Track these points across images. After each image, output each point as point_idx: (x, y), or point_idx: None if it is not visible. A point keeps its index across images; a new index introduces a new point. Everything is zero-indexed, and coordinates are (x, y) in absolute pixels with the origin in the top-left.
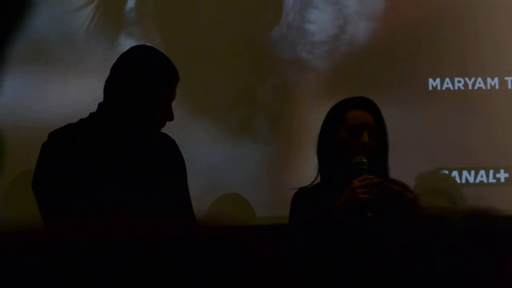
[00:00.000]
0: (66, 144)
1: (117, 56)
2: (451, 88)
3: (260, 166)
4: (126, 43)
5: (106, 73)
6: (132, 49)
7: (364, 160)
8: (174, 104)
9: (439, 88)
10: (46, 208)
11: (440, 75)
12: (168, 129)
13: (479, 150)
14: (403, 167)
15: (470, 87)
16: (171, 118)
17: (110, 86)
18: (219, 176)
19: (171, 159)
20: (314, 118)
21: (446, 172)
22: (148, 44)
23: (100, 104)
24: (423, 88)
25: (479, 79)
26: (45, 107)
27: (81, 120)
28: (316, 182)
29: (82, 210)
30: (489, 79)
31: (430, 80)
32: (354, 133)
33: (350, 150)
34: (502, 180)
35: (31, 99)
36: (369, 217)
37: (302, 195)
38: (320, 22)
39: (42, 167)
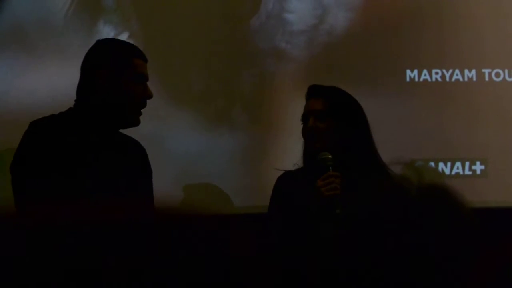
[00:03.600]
0: (46, 133)
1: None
2: (429, 79)
3: (238, 155)
4: (105, 30)
5: None
6: (96, 43)
7: (329, 156)
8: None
9: (416, 79)
10: (20, 191)
11: (418, 66)
12: (146, 117)
13: (455, 142)
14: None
15: (447, 79)
16: (150, 95)
17: (81, 82)
18: (197, 165)
19: (143, 165)
20: (292, 107)
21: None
22: (126, 31)
23: (76, 101)
24: (401, 80)
25: (457, 71)
26: (21, 92)
27: (61, 113)
28: (300, 166)
29: (54, 197)
30: (466, 71)
31: (408, 72)
32: (305, 121)
33: (304, 138)
34: (478, 172)
35: (7, 84)
36: (338, 214)
37: (286, 179)
38: (299, 11)
39: (21, 152)
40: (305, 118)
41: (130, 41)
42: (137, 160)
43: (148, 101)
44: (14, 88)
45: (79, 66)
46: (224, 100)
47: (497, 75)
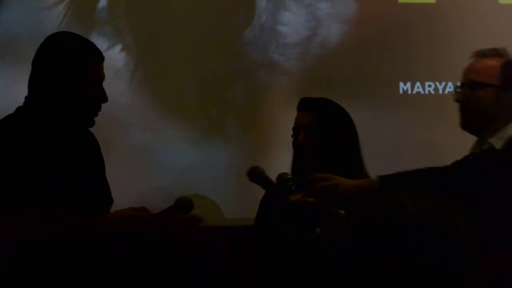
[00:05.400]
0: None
1: None
2: (422, 92)
3: (231, 167)
4: (98, 42)
5: None
6: (48, 38)
7: (288, 177)
8: (144, 104)
9: (409, 92)
10: None
11: (411, 79)
12: (139, 128)
13: (448, 155)
14: (372, 170)
15: (440, 92)
16: (105, 99)
17: (33, 80)
18: (190, 177)
19: (98, 157)
20: (285, 120)
21: None
22: (119, 44)
23: (26, 98)
24: (394, 92)
25: (450, 84)
26: (14, 104)
27: (10, 116)
28: None
29: (14, 202)
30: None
31: (401, 84)
32: (295, 135)
33: (294, 152)
34: None
35: (0, 95)
36: (318, 233)
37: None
38: (292, 24)
39: None
40: (295, 131)
41: (123, 53)
42: (94, 155)
43: (141, 112)
44: (7, 99)
45: None
46: (217, 112)
47: None
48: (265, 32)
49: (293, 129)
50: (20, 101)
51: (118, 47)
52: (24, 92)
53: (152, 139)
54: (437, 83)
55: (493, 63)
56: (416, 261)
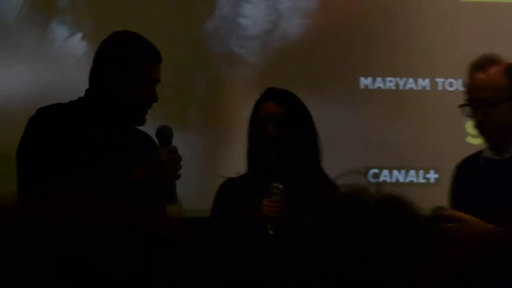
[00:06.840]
0: (52, 121)
1: (48, 42)
2: (382, 87)
3: (192, 159)
4: (58, 30)
5: (36, 60)
6: (112, 34)
7: (280, 187)
8: None
9: (370, 87)
10: (24, 179)
11: (372, 74)
12: None
13: (409, 150)
14: (333, 166)
15: (401, 87)
16: (155, 99)
17: (91, 73)
18: None
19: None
20: (246, 112)
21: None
22: (80, 32)
23: (87, 91)
24: (354, 87)
25: (411, 80)
26: None
27: (70, 101)
28: (245, 173)
29: (59, 188)
30: (420, 80)
31: (362, 79)
32: (262, 126)
33: (259, 143)
34: (432, 180)
35: None
36: (271, 235)
37: (227, 187)
38: (253, 16)
39: (28, 139)
40: (263, 122)
41: (84, 42)
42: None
43: None
44: None
45: (30, 65)
46: (178, 103)
47: (451, 84)
48: (226, 24)
49: (259, 119)
50: None
51: (78, 36)
52: None
53: None
54: (398, 79)
55: (497, 74)
56: (371, 264)
